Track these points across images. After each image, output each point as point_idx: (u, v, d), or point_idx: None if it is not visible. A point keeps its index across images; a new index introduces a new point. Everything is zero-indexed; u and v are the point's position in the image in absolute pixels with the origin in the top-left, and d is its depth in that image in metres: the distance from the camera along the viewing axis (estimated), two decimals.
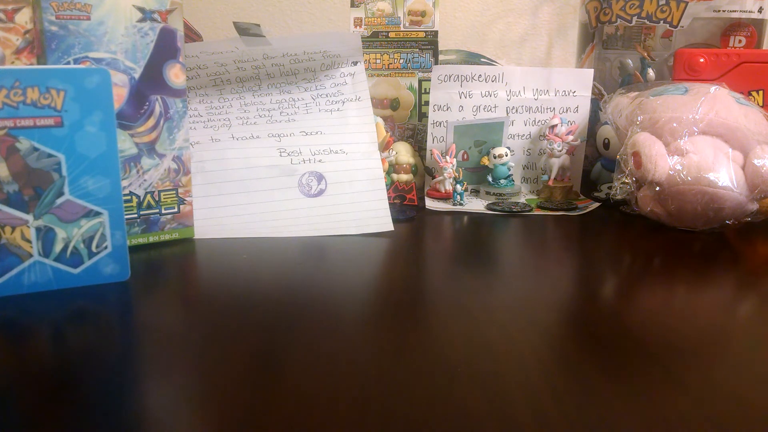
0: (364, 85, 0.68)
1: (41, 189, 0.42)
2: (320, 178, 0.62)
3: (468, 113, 0.71)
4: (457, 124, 0.71)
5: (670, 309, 0.41)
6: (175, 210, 0.55)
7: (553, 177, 0.70)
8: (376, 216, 0.60)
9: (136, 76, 0.51)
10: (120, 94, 0.50)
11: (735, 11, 0.73)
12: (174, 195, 0.54)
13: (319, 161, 0.63)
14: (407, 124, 0.77)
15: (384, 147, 0.67)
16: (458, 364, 0.33)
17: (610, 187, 0.67)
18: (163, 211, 0.54)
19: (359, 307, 0.41)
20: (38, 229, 0.43)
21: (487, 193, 0.70)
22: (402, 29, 0.74)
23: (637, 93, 0.66)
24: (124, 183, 0.52)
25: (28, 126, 0.41)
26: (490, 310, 0.41)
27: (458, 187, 0.67)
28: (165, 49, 0.51)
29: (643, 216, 0.61)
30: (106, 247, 0.45)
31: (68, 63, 0.48)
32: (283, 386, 0.31)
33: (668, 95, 0.62)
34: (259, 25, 0.65)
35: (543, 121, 0.72)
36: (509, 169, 0.71)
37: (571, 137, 0.70)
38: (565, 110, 0.72)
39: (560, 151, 0.70)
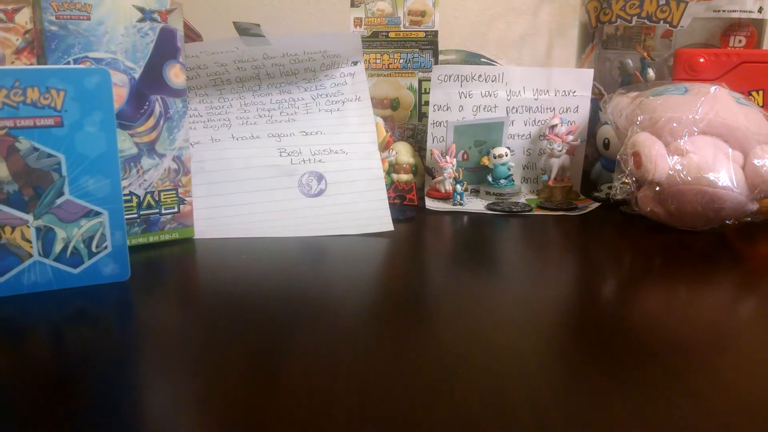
0: (364, 85, 0.68)
1: (41, 189, 0.42)
2: (320, 178, 0.62)
3: (468, 113, 0.71)
4: (457, 124, 0.71)
5: (670, 309, 0.41)
6: (175, 210, 0.55)
7: (553, 177, 0.70)
8: (376, 216, 0.60)
9: (136, 76, 0.51)
10: (120, 94, 0.50)
11: (735, 11, 0.73)
12: (174, 195, 0.54)
13: (319, 161, 0.63)
14: (407, 124, 0.77)
15: (384, 147, 0.67)
16: (458, 364, 0.33)
17: (610, 187, 0.67)
18: (163, 211, 0.54)
19: (359, 307, 0.41)
20: (38, 229, 0.43)
21: (487, 193, 0.70)
22: (402, 29, 0.74)
23: (637, 93, 0.66)
24: (124, 183, 0.52)
25: (28, 126, 0.41)
26: (490, 310, 0.41)
27: (458, 187, 0.67)
28: (165, 49, 0.51)
29: (643, 216, 0.61)
30: (106, 247, 0.45)
31: (68, 63, 0.48)
32: (283, 386, 0.31)
33: (668, 95, 0.62)
34: (259, 25, 0.65)
35: (543, 121, 0.72)
36: (509, 169, 0.70)
37: (571, 137, 0.70)
38: (565, 110, 0.72)
39: (560, 151, 0.70)
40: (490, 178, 0.70)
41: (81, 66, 0.48)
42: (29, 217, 0.42)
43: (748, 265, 0.51)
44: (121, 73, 0.50)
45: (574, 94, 0.71)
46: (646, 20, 0.75)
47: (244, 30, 0.65)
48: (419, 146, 0.75)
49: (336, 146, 0.64)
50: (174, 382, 0.32)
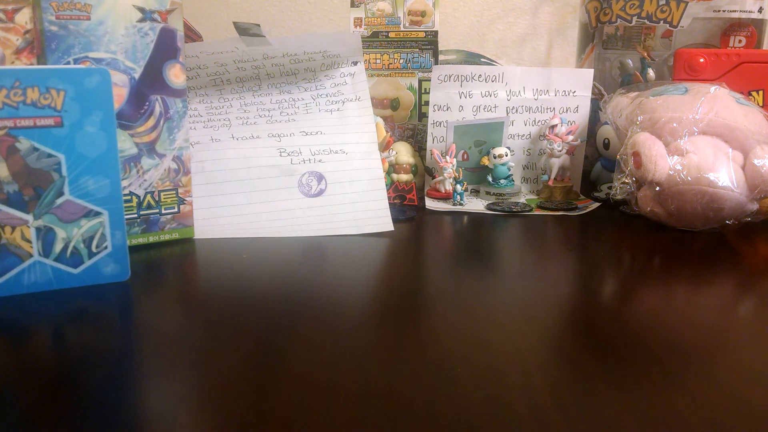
0: (364, 85, 0.68)
1: (41, 189, 0.42)
2: (320, 178, 0.62)
3: (468, 113, 0.71)
4: (457, 124, 0.71)
5: (670, 309, 0.41)
6: (175, 210, 0.55)
7: (553, 177, 0.70)
8: (376, 216, 0.60)
9: (136, 76, 0.51)
10: (120, 94, 0.50)
11: (735, 11, 0.73)
12: (174, 195, 0.54)
13: (319, 161, 0.63)
14: (407, 124, 0.77)
15: (384, 147, 0.67)
16: (458, 364, 0.33)
17: (610, 187, 0.67)
18: (163, 211, 0.54)
19: (359, 307, 0.41)
20: (38, 229, 0.43)
21: (487, 193, 0.70)
22: (402, 29, 0.74)
23: (637, 93, 0.66)
24: (124, 183, 0.52)
25: (28, 126, 0.41)
26: (490, 310, 0.41)
27: (458, 187, 0.67)
28: (165, 49, 0.51)
29: (643, 216, 0.61)
30: (106, 247, 0.45)
31: (68, 63, 0.48)
32: (284, 386, 0.31)
33: (668, 95, 0.62)
34: (259, 26, 0.65)
35: (543, 121, 0.72)
36: (509, 169, 0.71)
37: (571, 137, 0.70)
38: (565, 110, 0.72)
39: (560, 151, 0.70)
40: (490, 178, 0.70)
41: (81, 66, 0.48)
42: (29, 217, 0.42)
43: (748, 265, 0.51)
44: (121, 73, 0.50)
45: (574, 94, 0.71)
46: (646, 20, 0.75)
47: (244, 30, 0.65)
48: (419, 146, 0.75)
49: (336, 146, 0.64)
50: (174, 382, 0.32)
